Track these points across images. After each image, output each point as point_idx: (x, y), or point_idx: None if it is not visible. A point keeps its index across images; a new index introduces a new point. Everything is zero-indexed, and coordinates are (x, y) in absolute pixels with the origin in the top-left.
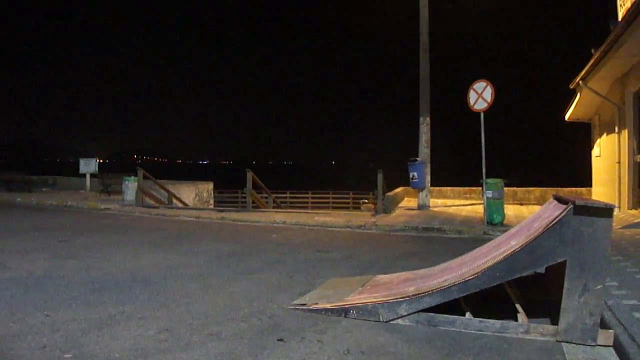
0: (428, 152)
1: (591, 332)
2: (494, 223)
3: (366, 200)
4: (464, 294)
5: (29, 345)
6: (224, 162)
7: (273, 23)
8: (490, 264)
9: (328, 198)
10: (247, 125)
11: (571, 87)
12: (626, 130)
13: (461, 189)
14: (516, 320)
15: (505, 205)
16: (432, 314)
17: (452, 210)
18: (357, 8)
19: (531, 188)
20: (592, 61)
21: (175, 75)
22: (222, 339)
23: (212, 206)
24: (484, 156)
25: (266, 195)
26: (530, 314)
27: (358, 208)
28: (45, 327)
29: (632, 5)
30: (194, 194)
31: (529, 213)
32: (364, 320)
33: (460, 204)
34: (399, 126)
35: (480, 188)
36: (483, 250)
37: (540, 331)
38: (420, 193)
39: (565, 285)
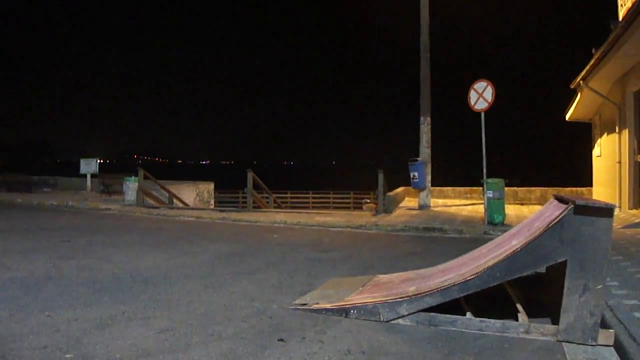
0: (429, 152)
1: (592, 331)
2: (495, 223)
3: (368, 200)
4: (464, 294)
5: (29, 345)
6: (225, 162)
7: (274, 23)
8: (490, 263)
9: (329, 198)
10: (247, 125)
11: (572, 87)
12: (627, 130)
13: (462, 188)
14: (517, 320)
15: (506, 205)
16: (432, 313)
17: (452, 210)
18: (358, 7)
19: (532, 188)
20: (592, 61)
21: (176, 75)
22: (223, 338)
23: (212, 206)
24: (484, 156)
25: (267, 195)
26: (530, 314)
27: (359, 208)
28: (46, 327)
29: (632, 5)
30: (194, 194)
31: (530, 213)
32: (365, 320)
33: (461, 204)
34: (399, 126)
35: (481, 188)
36: (483, 250)
37: (540, 331)
38: (421, 193)
39: (566, 285)
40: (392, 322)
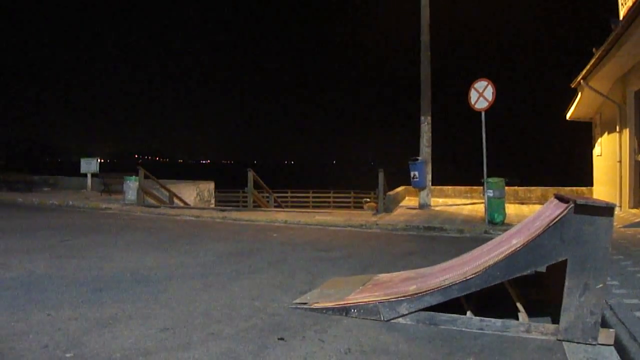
0: (429, 151)
1: (592, 331)
2: (495, 222)
3: (368, 200)
4: (464, 293)
5: (30, 344)
6: (225, 162)
7: (274, 22)
8: (491, 262)
9: (329, 197)
10: (248, 124)
11: (572, 86)
12: (627, 130)
13: (462, 188)
14: (517, 319)
15: (507, 205)
16: (433, 313)
17: (453, 209)
18: (359, 7)
19: (532, 187)
20: (593, 60)
21: (177, 75)
22: (223, 338)
23: (213, 206)
24: (485, 155)
25: (267, 194)
26: (531, 313)
27: (359, 207)
28: (46, 326)
29: (633, 4)
30: (195, 194)
31: (530, 212)
32: (365, 319)
33: (462, 203)
34: (400, 125)
35: (481, 187)
36: (484, 249)
37: (541, 330)
38: (422, 192)
39: (566, 284)
40: (393, 321)
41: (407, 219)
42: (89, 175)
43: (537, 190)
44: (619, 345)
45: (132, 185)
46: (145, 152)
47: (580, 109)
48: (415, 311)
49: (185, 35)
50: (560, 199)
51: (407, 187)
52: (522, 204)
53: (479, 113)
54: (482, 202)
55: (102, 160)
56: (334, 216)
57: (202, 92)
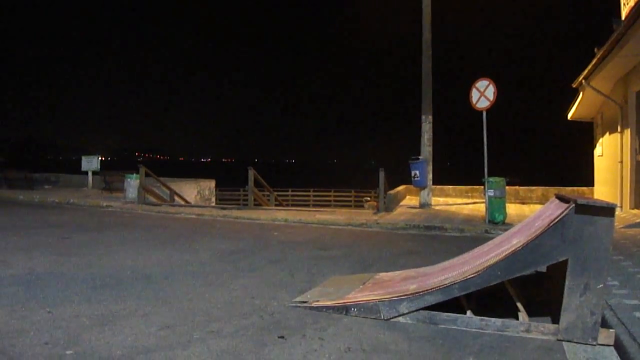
0: (430, 151)
1: (592, 331)
2: (496, 222)
3: (369, 198)
4: (465, 292)
5: (30, 341)
6: (226, 160)
7: (274, 21)
8: (491, 262)
9: (330, 196)
10: (249, 123)
11: (574, 86)
12: (629, 130)
13: (463, 187)
14: (517, 318)
15: (507, 204)
16: (433, 312)
17: (453, 208)
18: (360, 6)
19: (533, 187)
20: (594, 60)
21: (177, 73)
22: (224, 336)
23: (214, 204)
24: (485, 155)
25: (268, 193)
26: (531, 313)
27: (360, 206)
28: (46, 323)
29: (635, 4)
30: (195, 192)
31: (531, 212)
32: (365, 317)
33: (462, 203)
34: (401, 125)
35: (482, 187)
36: (484, 249)
37: (541, 330)
38: (422, 191)
39: (567, 284)
40: (393, 320)
41: (408, 218)
42: (89, 173)
43: (538, 190)
44: (619, 346)
45: (133, 183)
46: (146, 150)
47: (581, 109)
48: (416, 310)
49: (187, 32)
50: (561, 198)
51: (407, 186)
52: (523, 203)
53: (480, 112)
54: (482, 202)
55: (103, 158)
56: (334, 215)
57: (203, 90)
